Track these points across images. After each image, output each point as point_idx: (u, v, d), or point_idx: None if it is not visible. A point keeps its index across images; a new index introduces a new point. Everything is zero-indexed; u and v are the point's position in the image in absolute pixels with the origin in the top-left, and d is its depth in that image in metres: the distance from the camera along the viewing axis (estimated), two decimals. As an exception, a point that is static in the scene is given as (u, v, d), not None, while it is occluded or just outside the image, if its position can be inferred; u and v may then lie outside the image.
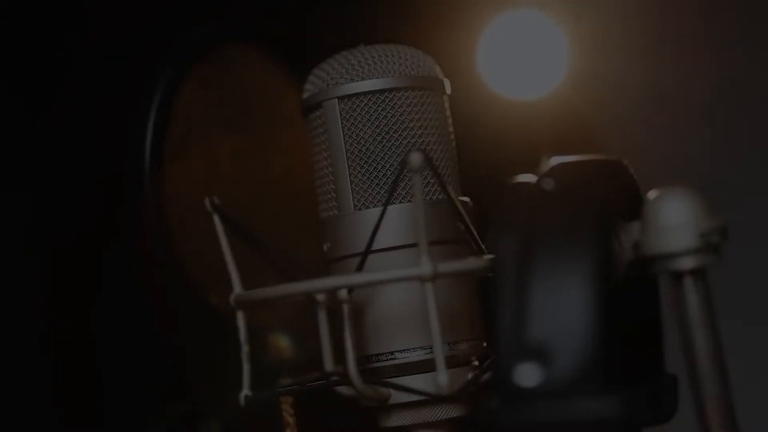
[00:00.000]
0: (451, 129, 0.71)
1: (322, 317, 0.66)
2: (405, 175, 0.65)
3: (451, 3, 1.12)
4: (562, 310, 0.56)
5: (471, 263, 0.66)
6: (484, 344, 0.70)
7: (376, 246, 0.66)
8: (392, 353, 0.67)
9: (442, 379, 0.62)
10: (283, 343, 0.69)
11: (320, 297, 0.66)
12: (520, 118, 1.19)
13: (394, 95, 0.68)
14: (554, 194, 0.60)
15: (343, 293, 0.64)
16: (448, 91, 0.71)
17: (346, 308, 0.64)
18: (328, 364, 0.67)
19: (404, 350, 0.67)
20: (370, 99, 0.68)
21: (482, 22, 1.20)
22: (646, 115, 1.28)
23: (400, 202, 0.67)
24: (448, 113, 0.71)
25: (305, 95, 0.71)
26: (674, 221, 0.58)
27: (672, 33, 1.28)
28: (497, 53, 1.23)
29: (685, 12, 1.29)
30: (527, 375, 0.56)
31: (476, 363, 0.70)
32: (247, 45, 0.87)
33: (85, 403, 0.75)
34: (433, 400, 0.67)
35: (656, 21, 1.29)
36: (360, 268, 0.65)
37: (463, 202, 0.69)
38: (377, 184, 0.68)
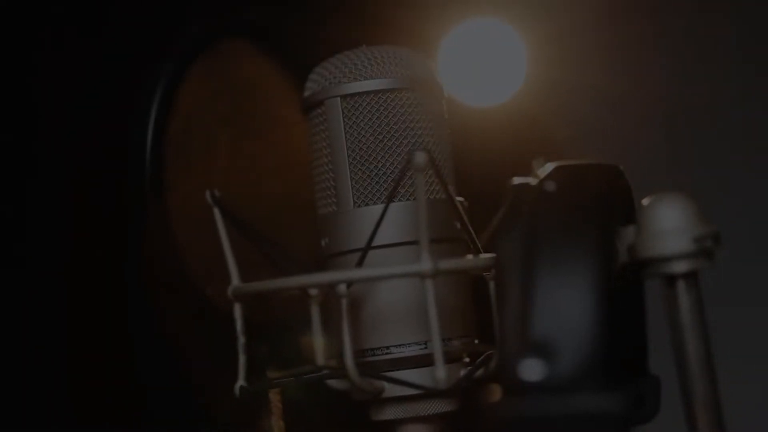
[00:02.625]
0: (449, 131, 0.72)
1: (315, 312, 0.67)
2: (405, 174, 0.67)
3: (410, 10, 1.13)
4: (565, 307, 0.58)
5: (470, 261, 0.68)
6: (476, 341, 0.71)
7: (374, 243, 0.67)
8: (388, 348, 0.69)
9: (439, 374, 0.63)
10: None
11: (313, 291, 0.67)
12: (479, 125, 1.21)
13: (396, 95, 0.69)
14: (556, 196, 0.62)
15: (342, 288, 0.65)
16: (446, 93, 0.73)
17: (344, 303, 0.65)
18: (320, 358, 0.68)
19: (399, 345, 0.69)
20: (372, 98, 0.69)
21: (442, 30, 1.21)
22: (603, 121, 1.31)
23: (399, 200, 0.68)
24: (446, 115, 0.72)
25: (307, 93, 0.72)
26: (670, 226, 0.60)
27: (628, 41, 1.31)
28: (457, 61, 1.24)
29: (640, 21, 1.32)
30: (531, 370, 0.57)
31: (467, 360, 0.71)
32: (244, 41, 0.88)
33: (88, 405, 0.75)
34: (425, 394, 0.68)
35: (612, 30, 1.31)
36: (360, 263, 0.66)
37: (459, 202, 0.70)
38: (377, 182, 0.69)
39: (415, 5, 1.13)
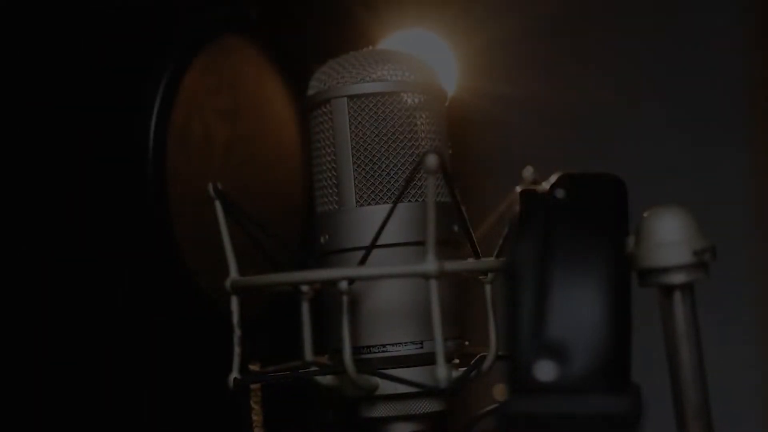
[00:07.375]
0: (448, 135, 0.73)
1: (305, 308, 0.67)
2: (415, 175, 0.67)
3: (341, 21, 1.14)
4: (579, 310, 0.59)
5: (474, 263, 0.69)
6: (466, 343, 0.72)
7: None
8: (384, 346, 0.69)
9: (441, 373, 0.64)
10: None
11: (305, 288, 0.68)
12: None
13: (403, 98, 0.70)
14: (568, 202, 0.63)
15: (344, 284, 0.65)
16: (447, 99, 0.74)
17: (345, 300, 0.65)
18: (308, 354, 0.68)
19: (396, 344, 0.69)
20: (378, 100, 0.70)
21: (373, 41, 1.22)
22: (529, 129, 1.33)
23: (401, 201, 0.69)
24: (446, 120, 0.73)
25: (311, 91, 0.72)
26: (671, 238, 0.63)
27: (552, 53, 1.34)
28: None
29: (563, 35, 1.35)
30: (544, 371, 0.59)
31: (456, 361, 0.72)
32: (244, 38, 0.88)
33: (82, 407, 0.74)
34: (418, 393, 0.69)
35: (538, 43, 1.34)
36: (363, 261, 0.67)
37: (459, 205, 0.71)
38: (379, 182, 0.70)
39: (345, 17, 1.14)
